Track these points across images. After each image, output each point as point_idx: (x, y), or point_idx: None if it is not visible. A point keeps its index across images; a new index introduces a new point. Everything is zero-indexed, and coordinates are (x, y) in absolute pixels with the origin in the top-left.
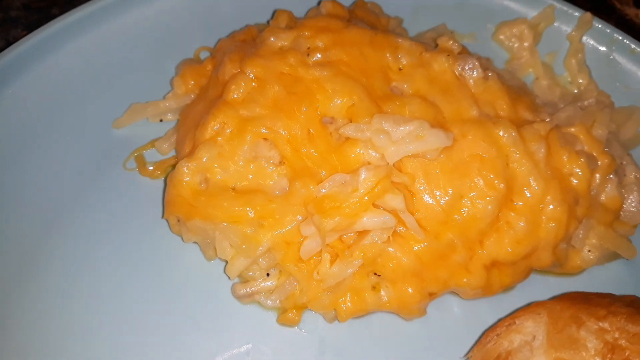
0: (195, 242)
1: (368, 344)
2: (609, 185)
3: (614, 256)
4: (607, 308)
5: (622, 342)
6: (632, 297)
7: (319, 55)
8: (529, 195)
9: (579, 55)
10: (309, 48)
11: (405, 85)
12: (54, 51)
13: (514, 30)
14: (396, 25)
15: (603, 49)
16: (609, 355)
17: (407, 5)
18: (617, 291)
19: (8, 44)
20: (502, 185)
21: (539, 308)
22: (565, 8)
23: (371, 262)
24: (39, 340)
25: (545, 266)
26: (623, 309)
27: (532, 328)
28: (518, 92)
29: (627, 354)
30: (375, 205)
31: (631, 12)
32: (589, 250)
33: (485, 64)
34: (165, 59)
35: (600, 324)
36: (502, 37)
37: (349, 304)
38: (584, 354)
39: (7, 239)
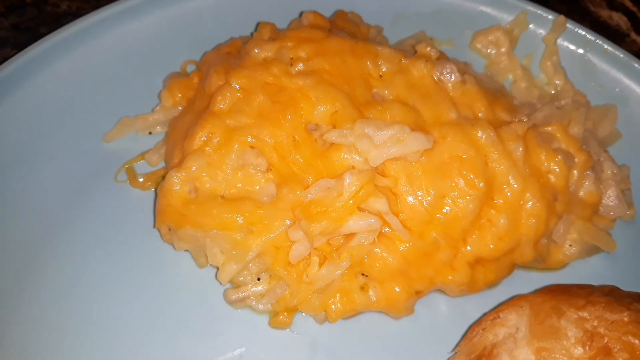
0: (186, 250)
1: (358, 343)
2: (587, 181)
3: (594, 250)
4: (586, 298)
5: (601, 329)
6: (611, 287)
7: (301, 65)
8: (508, 193)
9: (554, 57)
10: (292, 58)
11: (386, 91)
12: (43, 69)
13: (490, 38)
14: (376, 33)
15: (577, 50)
16: (588, 343)
17: (387, 14)
18: (599, 284)
19: None
20: (482, 184)
21: (522, 301)
22: (539, 12)
23: (358, 263)
24: (34, 350)
25: (527, 261)
26: (601, 298)
27: (516, 320)
28: (496, 94)
29: (605, 340)
30: (360, 209)
31: (604, 13)
32: (570, 245)
33: (463, 68)
34: (153, 74)
35: (580, 313)
36: (479, 45)
37: (338, 304)
38: (565, 342)
39: None
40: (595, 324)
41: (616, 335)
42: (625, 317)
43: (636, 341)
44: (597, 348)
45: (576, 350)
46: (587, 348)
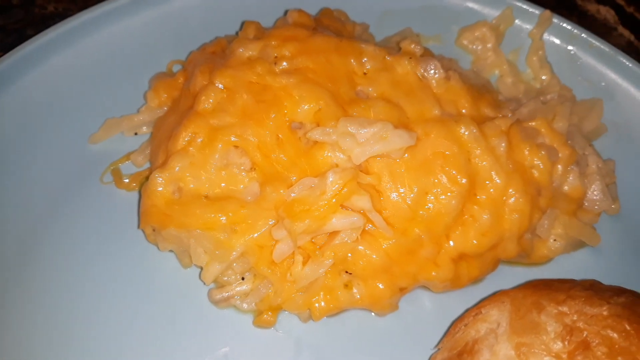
0: (171, 251)
1: (343, 340)
2: (571, 176)
3: (579, 244)
4: (567, 292)
5: (580, 324)
6: (592, 281)
7: (285, 64)
8: (491, 189)
9: (540, 52)
10: (276, 57)
11: (370, 89)
12: (29, 71)
13: (476, 34)
14: (362, 31)
15: (564, 44)
16: (567, 337)
17: (373, 11)
18: (583, 278)
19: None
20: (464, 181)
21: (503, 297)
22: (525, 7)
23: (342, 261)
24: (18, 349)
25: (511, 257)
26: (582, 292)
27: (497, 316)
28: (480, 90)
29: (585, 334)
30: (343, 206)
31: (592, 8)
32: (555, 240)
33: (448, 65)
34: (139, 74)
35: (560, 308)
36: (465, 42)
37: (322, 303)
38: (544, 337)
39: None
40: (575, 318)
41: (595, 329)
42: (604, 311)
43: (615, 335)
44: (576, 342)
45: (555, 345)
46: (566, 343)
